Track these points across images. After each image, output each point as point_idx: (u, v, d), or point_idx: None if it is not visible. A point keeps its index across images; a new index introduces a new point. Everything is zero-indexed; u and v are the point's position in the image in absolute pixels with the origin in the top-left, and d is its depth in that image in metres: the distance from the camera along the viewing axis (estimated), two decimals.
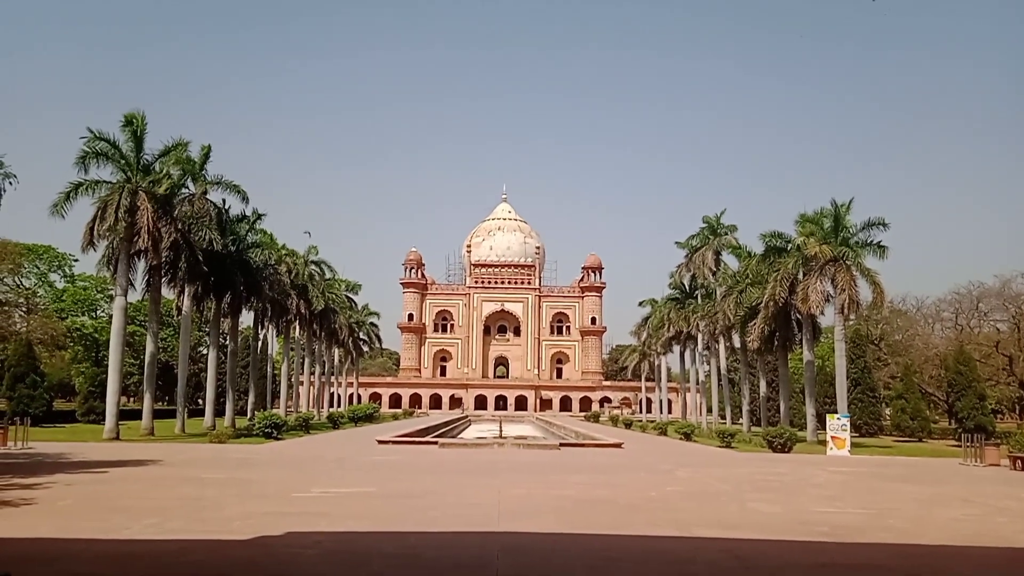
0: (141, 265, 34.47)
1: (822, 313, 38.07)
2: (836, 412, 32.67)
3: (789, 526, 11.30)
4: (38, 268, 65.97)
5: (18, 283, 62.93)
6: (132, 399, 79.52)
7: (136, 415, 41.94)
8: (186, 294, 37.31)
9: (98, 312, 70.42)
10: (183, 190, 34.84)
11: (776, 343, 41.90)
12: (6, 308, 56.89)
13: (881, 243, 36.17)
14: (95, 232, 31.00)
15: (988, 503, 14.75)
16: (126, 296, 32.99)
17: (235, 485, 15.44)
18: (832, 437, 30.02)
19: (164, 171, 33.18)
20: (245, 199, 36.61)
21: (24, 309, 61.71)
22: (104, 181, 32.00)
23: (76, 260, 67.57)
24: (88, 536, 9.38)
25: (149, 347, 35.43)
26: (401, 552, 8.86)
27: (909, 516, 12.76)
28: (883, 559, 8.99)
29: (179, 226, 33.31)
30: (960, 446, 32.37)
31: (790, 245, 38.60)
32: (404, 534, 10.03)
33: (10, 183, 21.66)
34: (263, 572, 7.77)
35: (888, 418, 52.97)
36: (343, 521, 10.98)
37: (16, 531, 9.64)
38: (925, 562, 8.95)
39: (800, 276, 36.93)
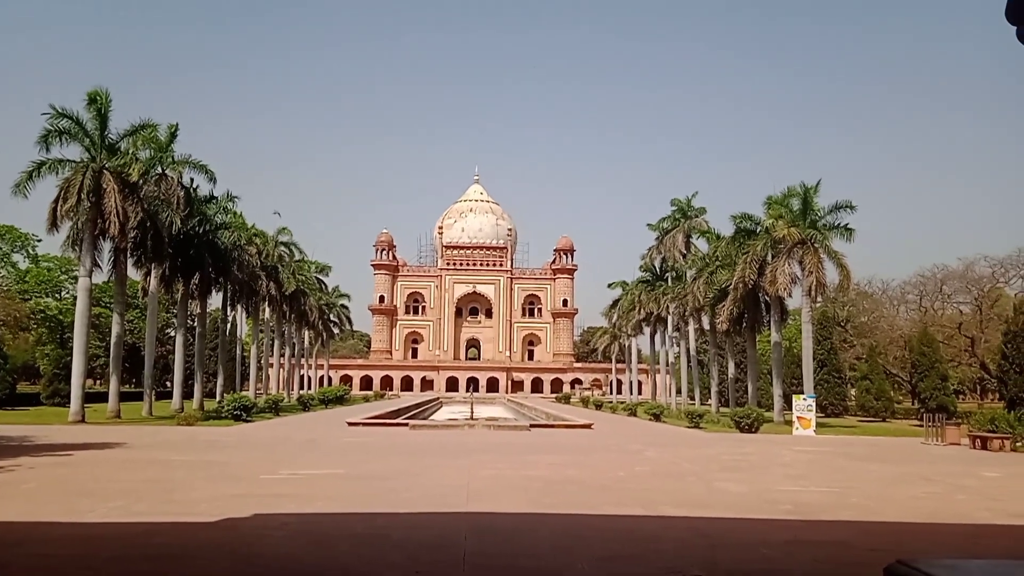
0: (107, 246, 33.91)
1: (790, 295, 38.57)
2: (803, 393, 33.13)
3: (755, 504, 11.46)
4: (0, 248, 64.65)
5: None
6: (98, 381, 78.57)
7: (102, 398, 41.45)
8: (153, 275, 36.84)
9: (63, 293, 69.32)
10: (150, 169, 34.26)
11: (745, 325, 42.34)
12: None
13: (848, 225, 36.58)
14: (58, 213, 30.42)
15: (948, 481, 15.07)
16: (91, 277, 32.47)
17: (203, 468, 15.33)
18: (798, 417, 30.46)
19: (130, 152, 32.58)
20: (212, 179, 36.17)
21: None
22: (68, 160, 31.39)
23: (40, 241, 66.35)
24: (53, 519, 9.26)
25: (115, 329, 34.94)
26: (369, 533, 8.86)
27: (871, 494, 13.01)
28: (846, 536, 9.16)
29: (145, 206, 32.76)
30: (922, 426, 33.07)
31: (759, 227, 38.91)
32: (372, 515, 10.03)
33: None
34: (230, 554, 7.73)
35: (853, 398, 53.85)
36: (311, 503, 10.95)
37: None
38: (886, 538, 9.13)
39: (769, 258, 37.26)
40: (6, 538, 8.20)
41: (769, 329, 42.08)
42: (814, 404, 31.35)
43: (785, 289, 36.53)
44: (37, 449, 18.35)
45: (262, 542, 8.21)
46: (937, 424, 26.24)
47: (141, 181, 32.46)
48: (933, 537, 9.40)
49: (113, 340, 35.15)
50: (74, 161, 31.44)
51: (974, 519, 10.58)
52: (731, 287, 38.87)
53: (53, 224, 30.60)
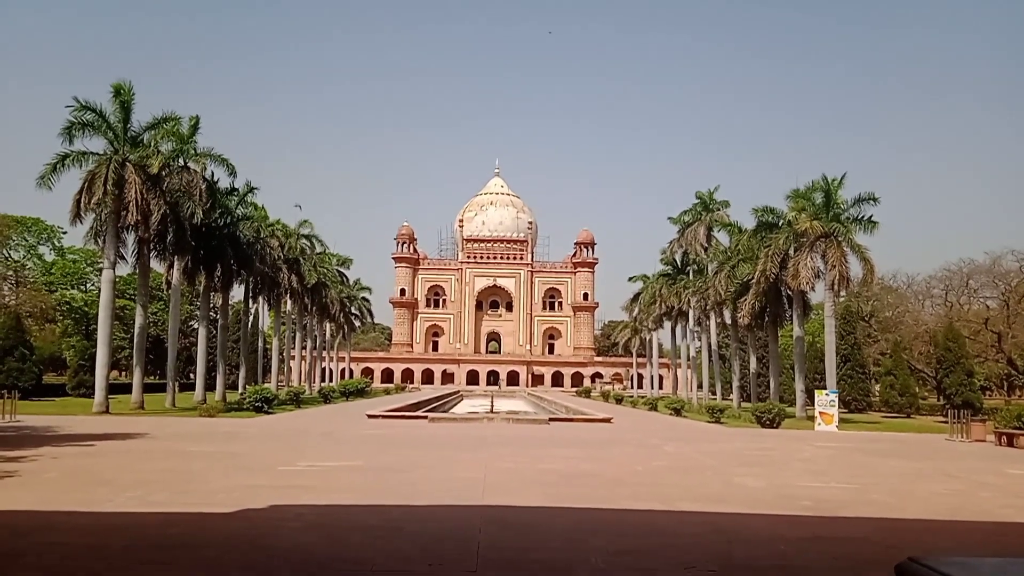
0: (130, 238, 34.30)
1: (812, 289, 38.17)
2: (825, 388, 32.83)
3: (773, 500, 11.34)
4: (27, 241, 65.56)
5: (6, 256, 62.60)
6: (123, 373, 79.52)
7: (127, 389, 41.95)
8: (175, 267, 37.15)
9: (88, 285, 70.19)
10: (172, 162, 34.51)
11: (767, 319, 42.05)
12: None
13: (872, 218, 36.17)
14: (82, 205, 30.75)
15: (971, 478, 14.84)
16: (114, 269, 32.81)
17: (222, 458, 15.42)
18: (820, 413, 30.18)
19: (153, 144, 32.84)
20: (233, 172, 36.30)
21: (13, 282, 61.40)
22: (91, 153, 31.71)
23: (65, 233, 67.21)
24: (70, 508, 9.34)
25: (138, 320, 35.33)
26: (384, 525, 8.85)
27: (892, 490, 12.83)
28: (865, 533, 9.03)
29: (168, 199, 33.03)
30: (947, 422, 32.64)
31: (781, 221, 38.58)
32: (388, 507, 10.03)
33: None
34: (244, 544, 7.74)
35: (877, 394, 53.31)
36: (328, 494, 10.97)
37: None
38: (906, 535, 8.99)
39: (791, 252, 36.94)
40: (22, 526, 8.27)
41: (791, 323, 41.72)
42: (837, 399, 31.05)
43: (808, 283, 36.17)
44: (60, 439, 18.56)
45: (277, 533, 8.23)
46: (962, 420, 25.89)
47: (163, 173, 32.73)
48: (954, 535, 9.25)
49: (136, 332, 35.54)
50: (97, 154, 31.75)
51: (996, 516, 10.40)
52: (753, 281, 38.57)
53: (77, 216, 30.93)
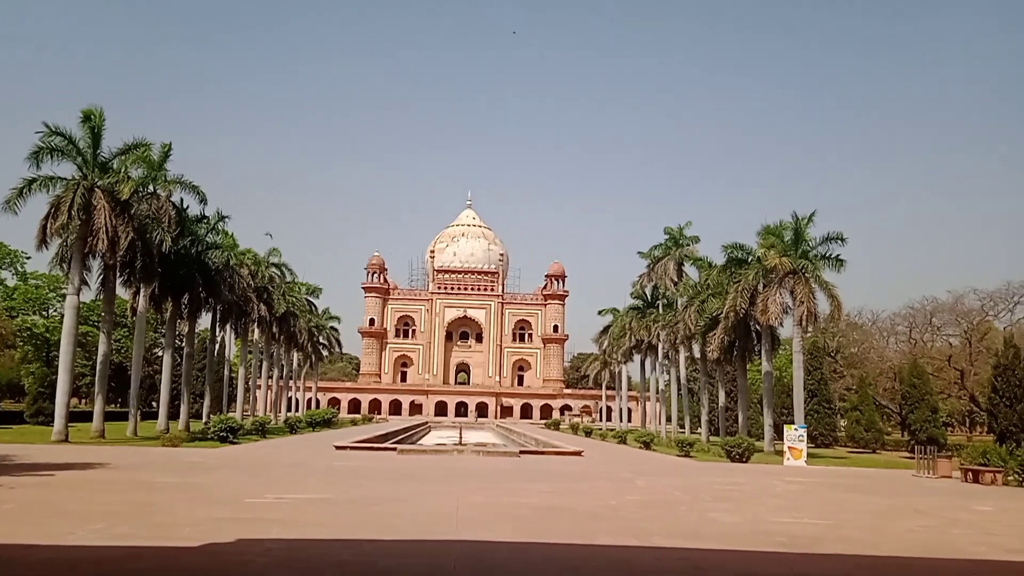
0: (96, 264, 33.72)
1: (781, 324, 38.58)
2: (793, 423, 33.00)
3: (748, 536, 11.29)
4: None
5: None
6: (84, 401, 77.76)
7: (88, 417, 40.94)
8: (142, 294, 36.53)
9: (50, 311, 68.76)
10: (141, 188, 34.12)
11: (735, 353, 42.29)
12: None
13: (839, 257, 36.74)
14: (48, 230, 30.21)
15: (941, 514, 14.92)
16: (79, 295, 32.22)
17: (186, 490, 15.04)
18: (789, 447, 30.28)
19: (123, 170, 32.43)
20: (203, 200, 35.98)
21: None
22: (59, 178, 31.23)
23: (28, 258, 65.88)
24: (29, 542, 9.00)
25: (102, 347, 34.64)
26: (356, 560, 8.64)
27: (865, 527, 12.85)
28: (842, 570, 9.00)
29: (136, 225, 32.58)
30: (913, 458, 32.90)
31: (751, 257, 39.03)
32: (359, 542, 9.80)
33: None
34: None
35: (843, 429, 53.74)
36: (297, 528, 10.72)
37: None
38: (883, 573, 8.98)
39: (760, 288, 37.31)
40: None
41: (760, 358, 42.02)
42: (805, 434, 31.19)
43: (776, 318, 36.58)
44: (18, 468, 18.01)
45: (245, 569, 7.99)
46: (928, 456, 26.12)
47: (132, 200, 32.31)
48: (930, 572, 9.25)
49: (100, 359, 34.82)
50: (65, 179, 31.27)
51: (970, 554, 10.43)
52: (722, 316, 38.87)
53: (43, 241, 30.38)
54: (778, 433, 39.80)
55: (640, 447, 40.24)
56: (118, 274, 34.44)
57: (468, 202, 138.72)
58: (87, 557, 8.31)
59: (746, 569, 8.88)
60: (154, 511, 11.82)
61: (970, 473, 23.52)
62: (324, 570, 8.11)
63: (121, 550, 8.71)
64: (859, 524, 13.14)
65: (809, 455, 31.61)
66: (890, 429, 62.94)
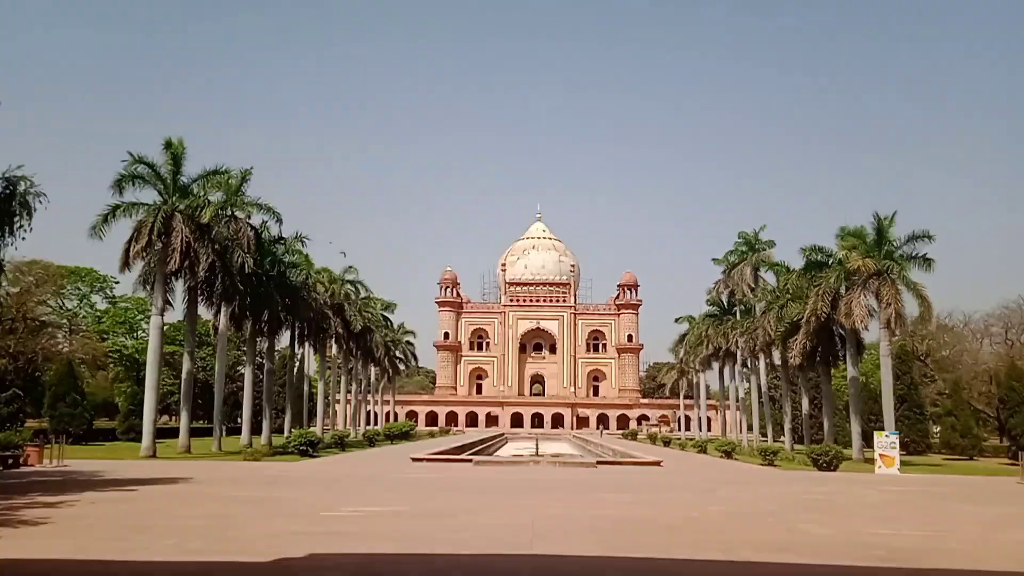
0: (179, 285, 34.76)
1: (866, 328, 37.00)
2: (881, 429, 31.61)
3: (843, 549, 10.59)
4: (80, 290, 66.96)
5: (60, 304, 63.99)
6: (172, 417, 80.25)
7: (175, 433, 42.08)
8: (223, 314, 37.44)
9: (138, 333, 71.28)
10: (220, 212, 35.02)
11: (818, 359, 40.86)
12: (49, 329, 57.71)
13: (927, 256, 35.14)
14: (131, 253, 31.28)
15: None
16: (162, 315, 33.20)
17: (263, 504, 15.09)
18: (881, 455, 28.96)
19: (202, 195, 33.38)
20: (279, 220, 36.71)
21: (67, 330, 62.63)
22: (141, 203, 32.36)
23: (117, 282, 68.50)
24: (103, 557, 9.01)
25: (186, 366, 35.68)
26: (427, 575, 8.37)
27: (971, 538, 11.97)
28: None
29: (216, 247, 33.45)
30: (1015, 464, 31.07)
31: (831, 259, 37.72)
32: (432, 556, 9.53)
33: (40, 202, 21.71)
34: None
35: (936, 436, 51.38)
36: (370, 542, 10.52)
37: (27, 552, 9.29)
38: None
39: (842, 291, 35.98)
40: None
41: (844, 363, 40.46)
42: (897, 441, 29.78)
43: (861, 322, 35.10)
44: (104, 484, 18.44)
45: None
46: None
47: (212, 223, 33.19)
48: None
49: (184, 377, 35.83)
50: (147, 204, 32.36)
51: None
52: (803, 320, 37.58)
53: (126, 263, 31.46)
54: (866, 441, 38.19)
55: (721, 456, 39.17)
56: (200, 295, 35.43)
57: (538, 215, 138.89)
58: (159, 572, 8.26)
59: None
60: (229, 525, 11.81)
61: None
62: None
63: (193, 565, 8.63)
64: (965, 535, 12.26)
65: (902, 463, 30.19)
66: (986, 435, 59.90)
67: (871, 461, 31.01)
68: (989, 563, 9.81)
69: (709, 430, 74.51)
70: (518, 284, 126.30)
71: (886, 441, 29.27)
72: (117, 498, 15.51)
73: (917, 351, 61.65)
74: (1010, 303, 61.23)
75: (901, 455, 30.81)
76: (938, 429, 52.05)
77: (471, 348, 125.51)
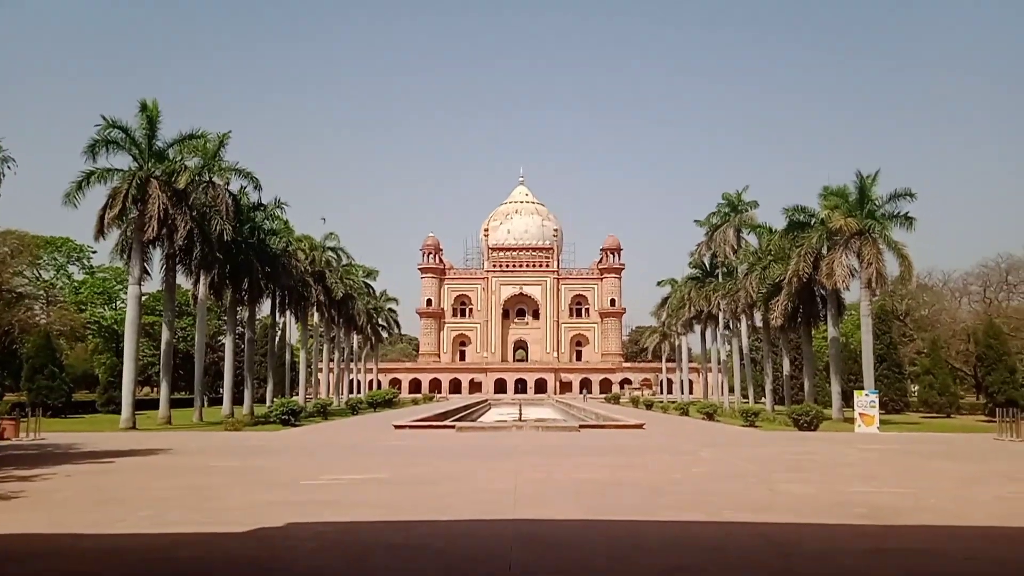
0: (156, 254, 34.22)
1: (847, 288, 37.10)
2: (861, 389, 31.86)
3: (825, 508, 10.59)
4: (56, 260, 66.01)
5: (37, 275, 63.03)
6: (154, 389, 79.79)
7: (156, 405, 41.82)
8: (202, 282, 36.94)
9: (117, 303, 70.52)
10: (198, 177, 34.38)
11: (799, 320, 41.03)
12: (26, 301, 56.90)
13: (908, 214, 35.22)
14: (106, 220, 30.68)
15: None
16: (140, 285, 32.68)
17: (243, 473, 14.92)
18: (860, 414, 29.21)
19: (178, 160, 32.72)
20: (258, 187, 36.16)
21: (44, 301, 61.79)
22: (116, 169, 31.66)
23: (94, 252, 67.59)
24: (77, 530, 8.81)
25: (165, 336, 35.27)
26: (408, 543, 8.25)
27: (951, 495, 12.02)
28: (933, 542, 8.27)
29: (194, 214, 32.88)
30: (991, 421, 31.49)
31: (813, 219, 37.67)
32: (413, 523, 9.42)
33: (8, 167, 21.17)
34: (256, 567, 7.18)
35: (915, 394, 51.98)
36: (350, 510, 10.39)
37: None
38: (980, 544, 8.23)
39: (824, 251, 36.02)
40: (18, 551, 7.72)
41: (825, 324, 40.67)
42: (877, 400, 30.03)
43: (843, 282, 35.20)
44: (81, 456, 18.20)
45: (292, 554, 7.65)
46: (1012, 419, 24.80)
47: (189, 189, 32.58)
48: None
49: (163, 347, 35.44)
50: (122, 170, 31.67)
51: None
52: (785, 281, 37.66)
53: (100, 231, 30.85)
54: (846, 400, 38.55)
55: (703, 418, 39.44)
56: (178, 263, 34.87)
57: (520, 179, 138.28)
58: (133, 545, 8.07)
59: (826, 544, 8.22)
60: (207, 496, 11.63)
61: None
62: (374, 554, 7.74)
63: (168, 537, 8.46)
64: (944, 492, 12.31)
65: (881, 421, 30.50)
66: (963, 393, 60.72)
67: (851, 420, 31.30)
68: (967, 519, 9.83)
69: (691, 392, 75.05)
70: (501, 249, 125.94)
71: (865, 400, 29.51)
72: (94, 470, 15.29)
73: (896, 311, 62.17)
74: (988, 261, 61.74)
75: (880, 414, 31.11)
76: (916, 388, 52.66)
77: (454, 314, 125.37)
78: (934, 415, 45.80)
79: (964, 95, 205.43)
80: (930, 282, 66.53)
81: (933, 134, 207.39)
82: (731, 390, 57.98)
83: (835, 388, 37.76)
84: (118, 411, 38.36)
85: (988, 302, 61.14)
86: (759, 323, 48.56)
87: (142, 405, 41.74)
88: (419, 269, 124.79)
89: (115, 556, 7.58)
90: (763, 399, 49.74)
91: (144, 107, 32.08)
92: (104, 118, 31.38)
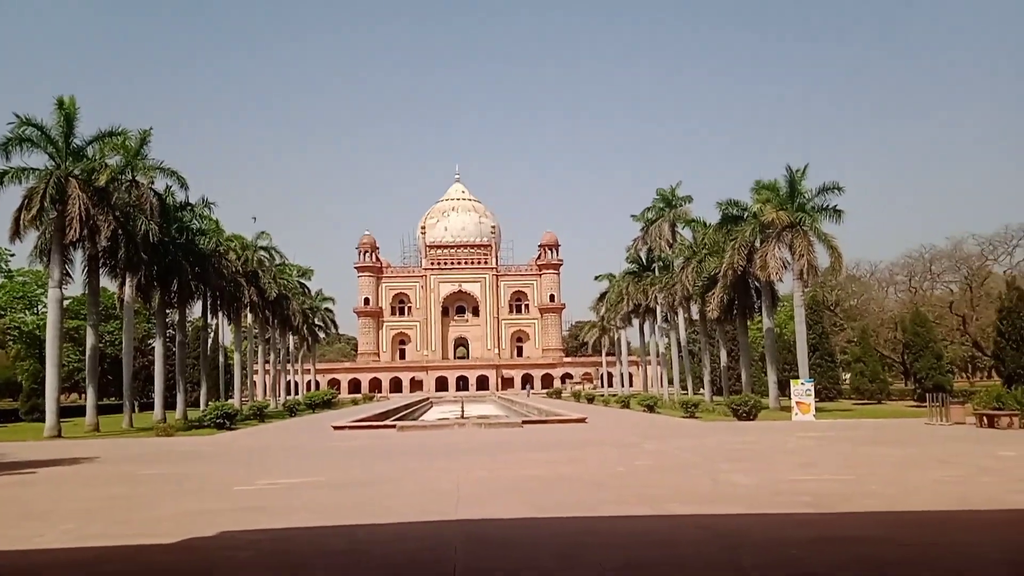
0: (79, 256, 32.83)
1: (780, 280, 37.80)
2: (796, 378, 32.46)
3: (768, 497, 10.60)
4: None
5: None
6: (82, 395, 77.00)
7: (83, 411, 40.22)
8: (128, 284, 35.60)
9: (38, 308, 67.71)
10: (120, 176, 33.13)
11: (735, 312, 41.64)
12: None
13: (837, 207, 35.95)
14: (22, 222, 29.27)
15: (967, 462, 14.29)
16: (60, 288, 31.27)
17: (173, 481, 14.30)
18: (797, 403, 29.75)
19: (98, 158, 31.45)
20: (184, 185, 35.02)
21: None
22: (32, 168, 30.26)
23: (12, 255, 64.68)
24: None
25: (89, 340, 33.85)
26: (348, 548, 7.91)
27: (890, 480, 12.18)
28: (877, 530, 8.29)
29: (116, 214, 31.62)
30: (920, 406, 32.42)
31: (746, 213, 38.22)
32: (353, 528, 9.07)
33: None
34: None
35: (846, 382, 53.36)
36: (287, 516, 9.97)
37: None
38: (923, 530, 8.28)
39: (757, 244, 36.60)
40: None
41: (759, 315, 41.38)
42: (812, 389, 30.63)
43: (776, 274, 35.82)
44: (0, 468, 17.26)
45: (225, 565, 7.26)
46: (941, 403, 25.53)
47: (111, 188, 31.32)
48: (970, 526, 8.55)
49: (88, 352, 34.02)
50: (38, 169, 30.30)
51: (1007, 503, 9.77)
52: (720, 274, 38.19)
53: (16, 233, 29.43)
54: (782, 389, 39.31)
55: (644, 411, 39.73)
56: (102, 264, 33.54)
57: (456, 176, 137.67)
58: (51, 562, 7.56)
59: (773, 534, 8.18)
60: (133, 506, 11.06)
61: (985, 418, 22.96)
62: (313, 562, 7.39)
63: (91, 551, 7.95)
64: (883, 478, 12.48)
65: (816, 409, 31.11)
66: (892, 379, 62.70)
67: (787, 409, 31.87)
68: (910, 504, 9.94)
69: (631, 385, 75.79)
70: (438, 247, 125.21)
71: (801, 389, 30.07)
72: (12, 482, 14.48)
73: (827, 301, 63.74)
74: (913, 252, 63.79)
75: (815, 402, 31.77)
76: (847, 375, 54.05)
77: (393, 313, 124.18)
78: (865, 401, 47.04)
79: (889, 84, 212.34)
80: (858, 273, 68.48)
81: (858, 127, 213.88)
82: (670, 382, 58.66)
83: (771, 378, 38.43)
84: (42, 419, 36.75)
85: (914, 291, 63.19)
86: (696, 316, 49.19)
87: (69, 412, 40.12)
88: (356, 268, 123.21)
89: (32, 574, 7.06)
90: (702, 390, 50.44)
91: (61, 104, 30.73)
92: (17, 116, 30.00)
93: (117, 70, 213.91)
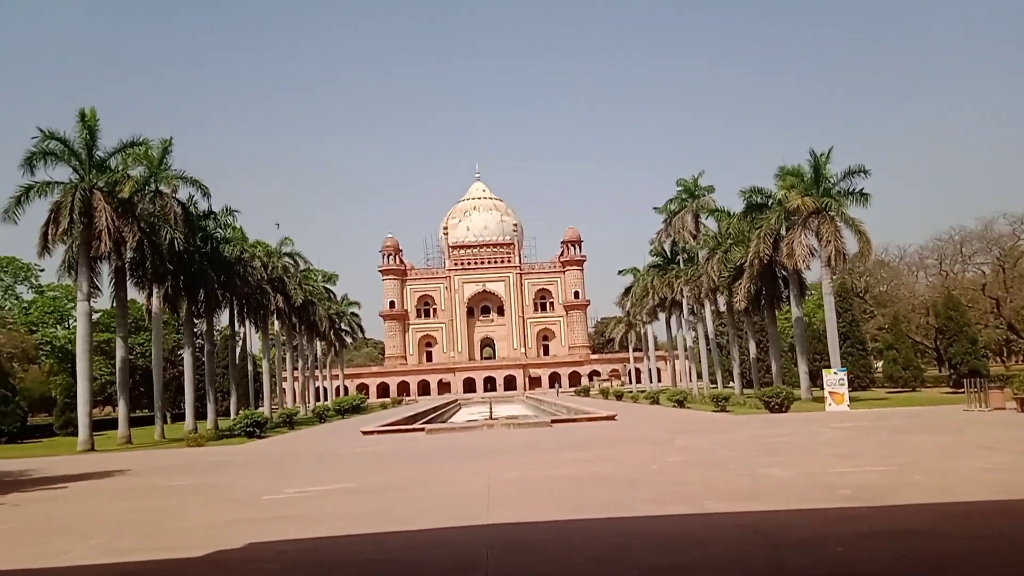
0: (105, 268, 33.04)
1: (808, 267, 37.22)
2: (827, 368, 31.92)
3: (809, 491, 10.27)
4: (3, 280, 64.00)
5: None
6: (113, 408, 77.88)
7: (116, 424, 40.59)
8: (155, 295, 35.84)
9: (69, 322, 68.61)
10: (144, 187, 33.33)
11: (763, 302, 41.11)
12: None
13: (863, 191, 35.30)
14: (49, 236, 29.50)
15: (1011, 449, 13.85)
16: (89, 301, 31.50)
17: (203, 492, 14.22)
18: (830, 392, 29.23)
19: (121, 169, 31.63)
20: (206, 194, 35.15)
21: None
22: (56, 182, 30.48)
23: (42, 271, 65.66)
24: (19, 566, 8.14)
25: (119, 352, 34.05)
26: (377, 557, 7.72)
27: (934, 469, 11.80)
28: (926, 522, 7.97)
29: (142, 225, 31.79)
30: (956, 392, 31.73)
31: (771, 200, 37.67)
32: (382, 535, 8.89)
33: None
34: None
35: (879, 370, 52.50)
36: (315, 525, 9.81)
37: None
38: (975, 521, 7.94)
39: (783, 231, 36.06)
40: None
41: (788, 304, 40.79)
42: (846, 378, 30.09)
43: (803, 261, 35.28)
44: (33, 483, 17.32)
45: None
46: (980, 389, 24.93)
47: (136, 199, 31.52)
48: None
49: (118, 364, 34.23)
50: (63, 183, 30.52)
51: None
52: (746, 264, 37.67)
53: (44, 248, 29.67)
54: (813, 380, 38.70)
55: (674, 406, 39.32)
56: (129, 276, 33.75)
57: (477, 175, 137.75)
58: None
59: (817, 530, 7.87)
60: (163, 518, 10.97)
61: None
62: (340, 571, 7.21)
63: (118, 567, 7.83)
64: (926, 467, 12.09)
65: (850, 399, 30.57)
66: (925, 366, 61.67)
67: (820, 399, 31.35)
68: (956, 494, 9.58)
69: (659, 381, 75.27)
70: (461, 247, 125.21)
71: (835, 378, 29.54)
72: (44, 498, 14.49)
73: (856, 288, 62.81)
74: (942, 234, 62.61)
75: (848, 391, 31.21)
76: (880, 363, 53.19)
77: (418, 315, 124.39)
78: (899, 389, 46.26)
79: (917, 68, 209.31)
80: (887, 258, 67.37)
81: (885, 109, 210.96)
82: (699, 376, 58.10)
83: (802, 368, 37.85)
84: (76, 433, 37.17)
85: (945, 275, 62.01)
86: (723, 307, 48.65)
87: (101, 425, 40.43)
88: (380, 271, 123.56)
89: None
90: (731, 383, 49.91)
91: (83, 116, 30.90)
92: (41, 130, 30.23)
93: (134, 71, 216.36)
